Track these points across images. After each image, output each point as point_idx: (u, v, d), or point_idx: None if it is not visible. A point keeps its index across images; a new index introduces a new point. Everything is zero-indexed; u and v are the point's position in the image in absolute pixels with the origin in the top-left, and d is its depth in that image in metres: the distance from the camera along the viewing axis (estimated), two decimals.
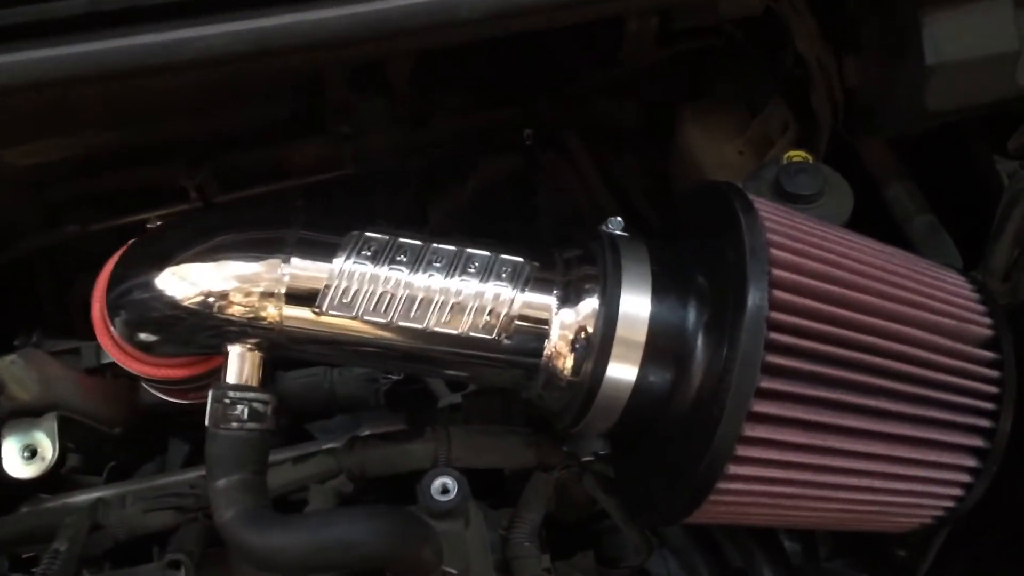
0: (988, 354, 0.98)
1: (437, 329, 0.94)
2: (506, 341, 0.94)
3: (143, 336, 0.99)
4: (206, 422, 0.94)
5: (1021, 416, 0.99)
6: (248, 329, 0.95)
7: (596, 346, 0.91)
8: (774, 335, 0.85)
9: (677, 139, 1.51)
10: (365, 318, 0.93)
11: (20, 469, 1.13)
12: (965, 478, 0.98)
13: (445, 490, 1.02)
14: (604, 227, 1.03)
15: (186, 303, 0.94)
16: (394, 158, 1.46)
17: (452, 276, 0.94)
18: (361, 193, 1.52)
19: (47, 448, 1.12)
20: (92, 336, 1.05)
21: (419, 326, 0.93)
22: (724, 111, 1.47)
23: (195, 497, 1.10)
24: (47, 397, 1.14)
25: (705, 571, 1.29)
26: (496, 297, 0.93)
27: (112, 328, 1.01)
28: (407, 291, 0.93)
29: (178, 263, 0.95)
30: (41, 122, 1.20)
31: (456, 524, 1.04)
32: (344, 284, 0.92)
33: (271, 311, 0.93)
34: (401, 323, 0.93)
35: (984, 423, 0.96)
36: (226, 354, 0.96)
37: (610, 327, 0.91)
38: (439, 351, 0.95)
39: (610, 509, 1.15)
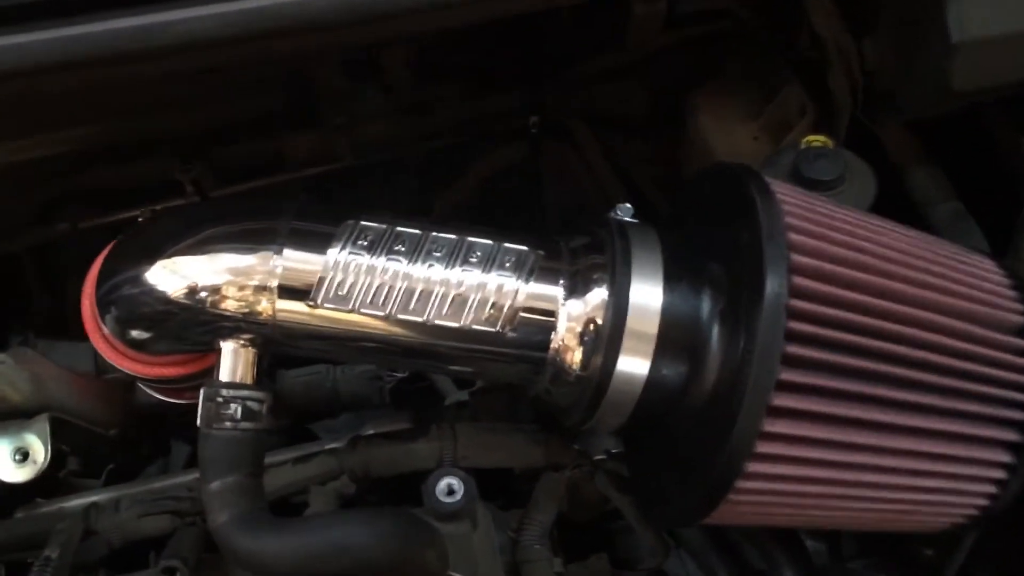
0: (1022, 342, 0.92)
1: (438, 322, 0.89)
2: (510, 334, 0.90)
3: (134, 333, 0.95)
4: (198, 422, 0.90)
5: None
6: (241, 324, 0.91)
7: (605, 338, 0.87)
8: (794, 324, 0.81)
9: (688, 126, 1.45)
10: (362, 311, 0.89)
11: (11, 473, 1.10)
12: (999, 474, 0.93)
13: (451, 491, 0.98)
14: (613, 214, 0.98)
15: (177, 298, 0.90)
16: (393, 149, 1.42)
17: (453, 266, 0.90)
18: (362, 185, 1.48)
19: (39, 451, 1.08)
20: (85, 336, 1.01)
21: (419, 319, 0.89)
22: (737, 96, 1.42)
23: (192, 500, 1.06)
24: (39, 398, 1.11)
25: (724, 572, 1.24)
26: (499, 288, 0.89)
27: (103, 325, 0.97)
28: (406, 282, 0.89)
29: (168, 256, 0.91)
30: (29, 117, 1.17)
31: (463, 526, 1.00)
32: (339, 276, 0.88)
33: (264, 305, 0.89)
34: (400, 316, 0.89)
35: (1019, 416, 0.91)
36: (218, 351, 0.92)
37: (620, 318, 0.87)
38: (440, 345, 0.91)
39: (624, 509, 1.11)
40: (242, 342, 0.92)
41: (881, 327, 0.85)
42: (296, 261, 0.88)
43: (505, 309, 0.89)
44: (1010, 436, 0.92)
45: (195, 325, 0.92)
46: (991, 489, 0.94)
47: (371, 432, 1.15)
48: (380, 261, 0.89)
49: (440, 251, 0.90)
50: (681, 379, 0.88)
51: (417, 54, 1.36)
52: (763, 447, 0.82)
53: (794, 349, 0.81)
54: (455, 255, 0.90)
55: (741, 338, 0.82)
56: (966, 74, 1.12)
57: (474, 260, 0.90)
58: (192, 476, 1.14)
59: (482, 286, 0.89)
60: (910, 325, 0.87)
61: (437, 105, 1.44)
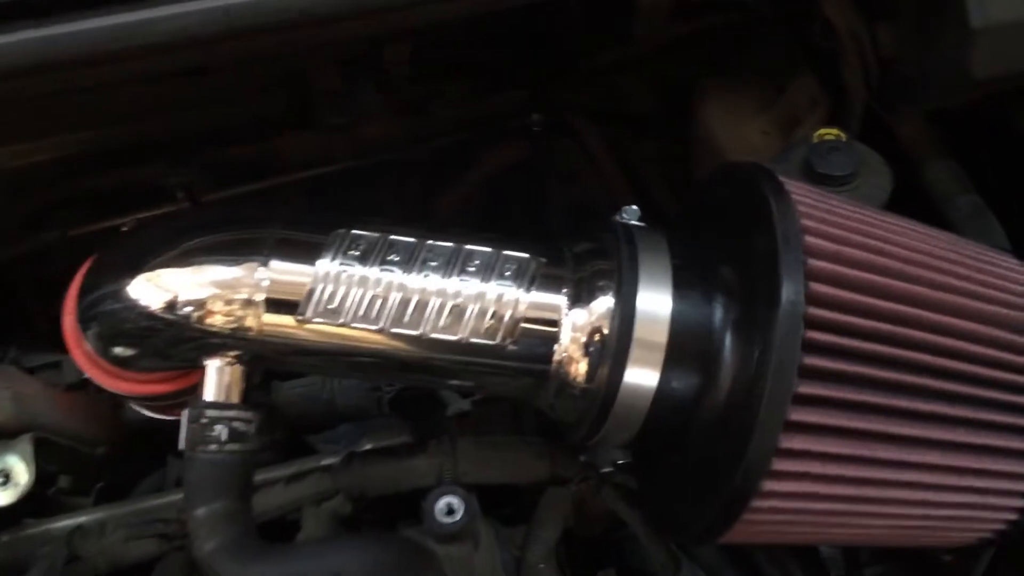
0: None
1: (435, 335, 0.85)
2: (511, 347, 0.86)
3: (117, 350, 0.91)
4: (180, 444, 0.86)
5: None
6: (227, 340, 0.86)
7: (612, 349, 0.83)
8: (812, 333, 0.77)
9: (696, 121, 1.41)
10: (354, 325, 0.85)
11: None
12: None
13: (451, 510, 0.94)
14: (619, 217, 0.94)
15: (160, 313, 0.86)
16: (393, 150, 1.38)
17: (450, 276, 0.85)
18: (362, 188, 1.44)
19: (21, 473, 1.04)
20: None
21: (415, 332, 0.85)
22: (746, 89, 1.38)
23: (180, 523, 1.01)
24: (22, 417, 1.07)
25: None
26: (499, 298, 0.85)
27: (85, 342, 0.93)
28: (400, 294, 0.84)
29: (150, 270, 0.87)
30: (16, 122, 1.13)
31: (464, 548, 0.96)
32: (330, 288, 0.84)
33: (250, 320, 0.84)
34: (394, 330, 0.85)
35: None
36: (203, 368, 0.87)
37: (627, 328, 0.83)
38: (437, 360, 0.87)
39: (633, 524, 1.06)
40: (228, 359, 0.87)
41: (904, 334, 0.81)
42: (283, 273, 0.84)
43: (505, 320, 0.85)
44: None
45: (180, 341, 0.88)
46: (1021, 503, 0.89)
47: (368, 447, 1.11)
48: (373, 271, 0.85)
49: (436, 260, 0.86)
50: (692, 392, 0.84)
51: (415, 52, 1.31)
52: (780, 464, 0.78)
53: (812, 360, 0.77)
54: (452, 264, 0.86)
55: (756, 348, 0.78)
56: (986, 61, 1.07)
57: (472, 269, 0.86)
58: (181, 495, 1.09)
59: (481, 296, 0.85)
60: (934, 332, 0.82)
61: (437, 104, 1.39)
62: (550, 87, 1.46)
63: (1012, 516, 0.90)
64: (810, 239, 0.80)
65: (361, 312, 0.84)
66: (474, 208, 1.49)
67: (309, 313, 0.84)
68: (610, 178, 1.48)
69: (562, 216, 1.54)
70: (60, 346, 1.09)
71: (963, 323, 0.83)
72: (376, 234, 0.86)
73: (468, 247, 0.87)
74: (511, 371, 0.87)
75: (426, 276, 0.85)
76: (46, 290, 1.35)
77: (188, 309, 0.85)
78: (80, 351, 0.95)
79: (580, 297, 0.86)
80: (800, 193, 0.85)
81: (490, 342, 0.85)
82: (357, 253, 0.85)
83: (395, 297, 0.84)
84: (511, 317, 0.85)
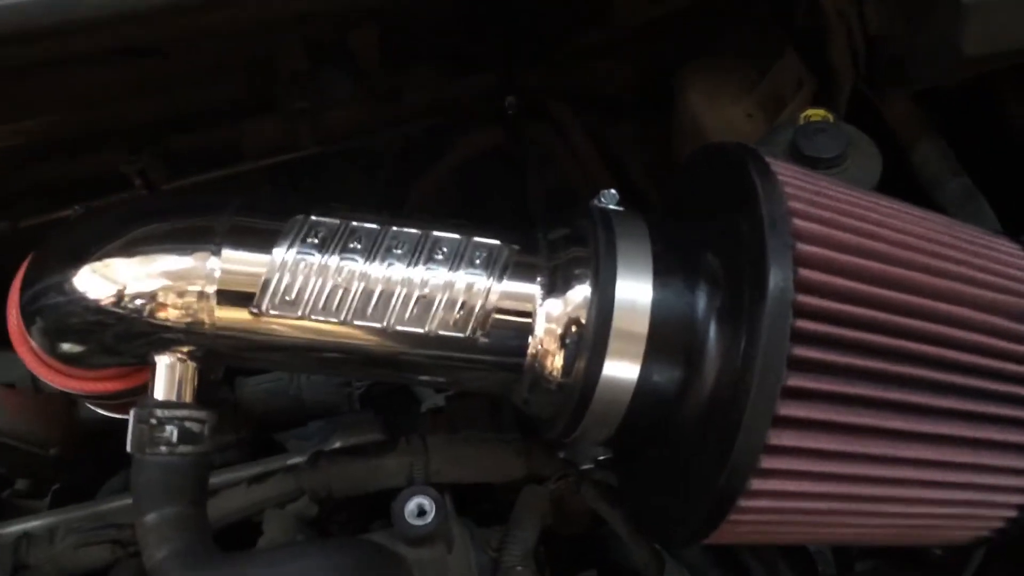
0: None
1: (400, 328, 0.80)
2: (483, 339, 0.81)
3: (64, 346, 0.86)
4: (127, 447, 0.80)
5: None
6: (179, 335, 0.81)
7: (589, 341, 0.79)
8: (801, 323, 0.73)
9: (677, 104, 1.38)
10: (314, 318, 0.80)
11: None
12: None
13: (421, 512, 0.90)
14: (596, 201, 0.89)
15: (107, 306, 0.81)
16: (361, 136, 1.33)
17: (416, 264, 0.81)
18: (330, 176, 1.38)
19: None
20: None
21: (378, 325, 0.80)
22: (729, 70, 1.34)
23: (135, 528, 0.95)
24: None
25: None
26: (469, 288, 0.80)
27: (30, 338, 0.87)
28: (362, 284, 0.80)
29: (95, 259, 0.81)
30: None
31: (436, 550, 0.92)
32: (286, 278, 0.79)
33: (201, 314, 0.79)
34: (357, 323, 0.80)
35: None
36: (153, 365, 0.82)
37: (605, 318, 0.79)
38: (404, 354, 0.82)
39: (614, 523, 1.03)
40: (179, 355, 0.82)
41: (898, 323, 0.77)
42: (236, 262, 0.79)
43: (476, 311, 0.81)
44: None
45: (129, 337, 0.82)
46: (1020, 500, 0.85)
47: (336, 445, 1.05)
48: (333, 260, 0.80)
49: (401, 248, 0.81)
50: (675, 386, 0.80)
51: (384, 34, 1.26)
52: (769, 462, 0.74)
53: (801, 351, 0.73)
54: (418, 252, 0.81)
55: (742, 339, 0.74)
56: (980, 38, 1.04)
57: (440, 257, 0.81)
58: None
59: (449, 286, 0.80)
60: (930, 320, 0.78)
61: (406, 88, 1.34)
62: (524, 70, 1.41)
63: (1012, 513, 0.86)
64: (798, 222, 0.76)
65: (321, 304, 0.79)
66: (448, 197, 1.43)
67: (265, 305, 0.79)
68: (588, 163, 1.43)
69: (540, 203, 1.49)
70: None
71: (960, 310, 0.79)
72: (337, 221, 0.81)
73: (435, 234, 0.82)
74: (483, 365, 0.83)
75: (390, 265, 0.80)
76: None
77: (137, 302, 0.80)
78: (25, 348, 0.90)
79: (555, 286, 0.81)
80: (787, 174, 0.81)
81: (460, 335, 0.81)
82: (316, 241, 0.80)
83: (357, 288, 0.79)
84: (482, 308, 0.80)
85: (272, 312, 0.79)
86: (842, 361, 0.74)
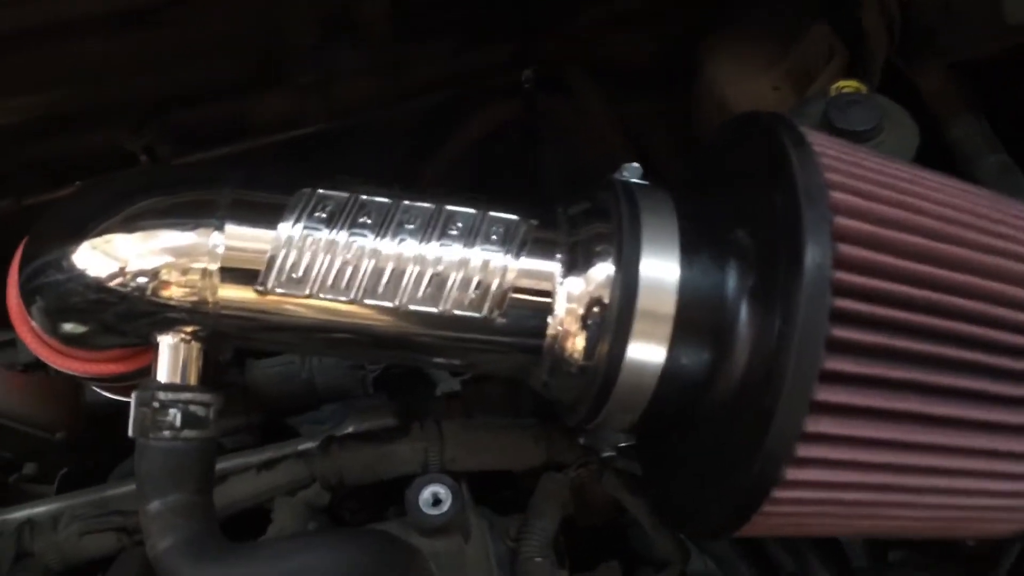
0: None
1: (413, 308, 0.77)
2: (499, 320, 0.77)
3: (66, 326, 0.82)
4: (130, 431, 0.77)
5: None
6: (182, 315, 0.78)
7: (613, 321, 0.75)
8: (840, 301, 0.68)
9: (701, 77, 1.34)
10: (322, 296, 0.76)
11: None
12: None
13: (437, 501, 0.88)
14: (618, 174, 0.85)
15: (107, 284, 0.78)
16: (373, 110, 1.29)
17: (429, 240, 0.77)
18: (340, 152, 1.34)
19: None
20: None
21: (390, 304, 0.77)
22: (755, 41, 1.29)
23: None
24: None
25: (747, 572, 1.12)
26: (485, 265, 0.77)
27: (30, 318, 0.84)
28: (373, 261, 0.76)
29: (96, 235, 0.78)
30: None
31: (453, 541, 0.89)
32: (293, 255, 0.75)
33: (204, 292, 0.75)
34: (367, 302, 0.77)
35: None
36: (156, 346, 0.78)
37: (629, 297, 0.75)
38: (417, 335, 0.78)
39: (637, 513, 0.99)
40: (183, 336, 0.79)
41: (944, 302, 0.73)
42: (240, 238, 0.76)
43: (492, 290, 0.77)
44: None
45: (131, 316, 0.79)
46: None
47: (349, 430, 1.02)
48: (342, 236, 0.76)
49: (413, 223, 0.77)
50: (703, 369, 0.76)
51: (395, 4, 1.21)
52: (805, 450, 0.70)
53: (840, 331, 0.68)
54: (431, 227, 0.77)
55: (776, 319, 0.70)
56: (1021, 5, 1.00)
57: (454, 232, 0.78)
58: None
59: (464, 263, 0.77)
60: (977, 299, 0.74)
61: (419, 60, 1.30)
62: (542, 41, 1.36)
63: None
64: (836, 195, 0.71)
65: (329, 282, 0.76)
66: (462, 173, 1.39)
67: (270, 283, 0.76)
68: (608, 137, 1.39)
69: (558, 180, 1.44)
70: None
71: (1009, 288, 0.75)
72: (345, 194, 0.77)
73: (449, 208, 0.78)
74: (500, 347, 0.79)
75: (402, 241, 0.77)
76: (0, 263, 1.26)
77: (139, 280, 0.77)
78: (25, 328, 0.87)
79: (576, 263, 0.78)
80: (824, 145, 0.76)
81: (475, 315, 0.77)
82: (324, 215, 0.76)
83: (367, 265, 0.76)
84: (498, 287, 0.77)
85: (278, 290, 0.76)
86: (884, 343, 0.70)
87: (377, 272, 0.76)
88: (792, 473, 0.70)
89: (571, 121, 1.42)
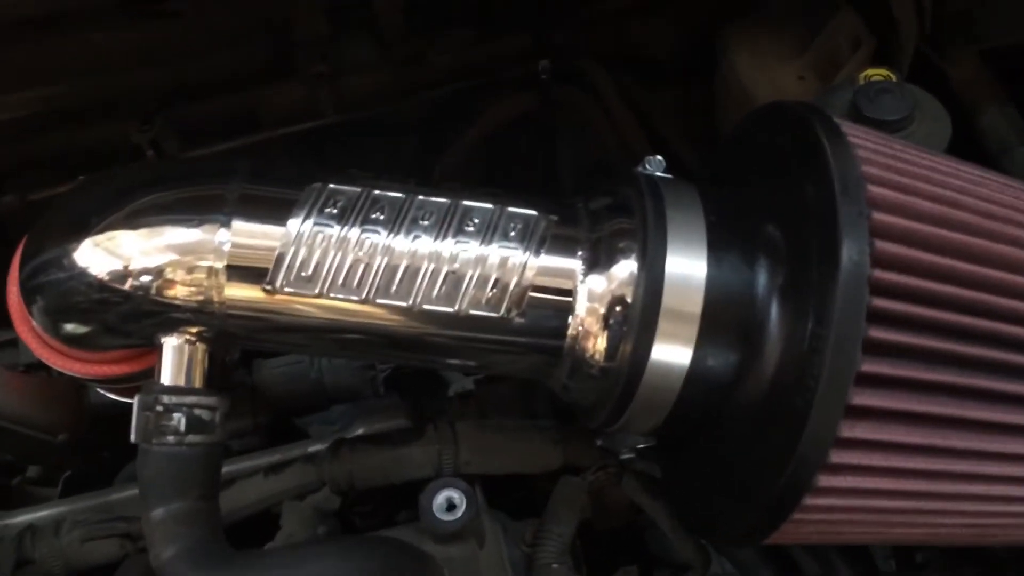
0: None
1: (427, 307, 0.74)
2: (518, 319, 0.75)
3: (67, 327, 0.80)
4: (132, 436, 0.74)
5: None
6: (187, 315, 0.75)
7: (636, 321, 0.73)
8: (878, 301, 0.66)
9: (722, 67, 1.30)
10: (333, 296, 0.73)
11: None
12: None
13: (451, 506, 0.86)
14: (641, 168, 0.81)
15: (109, 283, 0.75)
16: (386, 103, 1.26)
17: (444, 237, 0.74)
18: (353, 146, 1.31)
19: None
20: None
21: (404, 304, 0.74)
22: (778, 29, 1.26)
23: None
24: None
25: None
26: (503, 263, 0.74)
27: (31, 318, 0.82)
28: (386, 259, 0.73)
29: (98, 232, 0.75)
30: None
31: (467, 547, 0.86)
32: (303, 252, 0.73)
33: (211, 291, 0.72)
34: (380, 301, 0.74)
35: None
36: (159, 347, 0.76)
37: (654, 296, 0.72)
38: (432, 336, 0.76)
39: (657, 517, 0.97)
40: (188, 337, 0.76)
41: (985, 301, 0.70)
42: (248, 235, 0.73)
43: (510, 289, 0.74)
44: None
45: (134, 316, 0.77)
46: None
47: (359, 432, 0.99)
48: (353, 232, 0.73)
49: (428, 219, 0.74)
50: (731, 371, 0.74)
51: None
52: (839, 456, 0.67)
53: (878, 332, 0.66)
54: (447, 223, 0.75)
55: (809, 320, 0.67)
56: None
57: (471, 229, 0.75)
58: None
59: (481, 261, 0.74)
60: (1020, 298, 0.70)
61: (433, 52, 1.27)
62: (558, 32, 1.33)
63: None
64: (874, 188, 0.68)
65: (340, 280, 0.73)
66: (477, 166, 1.36)
67: (279, 282, 0.73)
68: (626, 132, 1.36)
69: (575, 174, 1.41)
70: None
71: None
72: (357, 189, 0.75)
73: (465, 203, 0.76)
74: (518, 348, 0.77)
75: (416, 238, 0.74)
76: (3, 261, 1.24)
77: (143, 279, 0.75)
78: (26, 328, 0.85)
79: (598, 261, 0.75)
80: (859, 136, 0.73)
81: (493, 314, 0.74)
82: (335, 211, 0.73)
83: (380, 262, 0.73)
84: (517, 285, 0.74)
85: (287, 289, 0.73)
86: (923, 344, 0.67)
87: (390, 270, 0.73)
88: (825, 480, 0.68)
89: (589, 114, 1.39)
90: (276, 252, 0.72)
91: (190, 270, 0.72)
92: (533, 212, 0.76)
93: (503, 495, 1.01)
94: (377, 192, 0.74)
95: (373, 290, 0.73)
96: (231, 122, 1.23)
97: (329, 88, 1.22)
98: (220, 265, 0.72)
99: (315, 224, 0.72)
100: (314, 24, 1.20)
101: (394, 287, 0.73)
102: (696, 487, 0.84)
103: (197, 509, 0.74)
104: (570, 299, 0.74)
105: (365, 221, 0.73)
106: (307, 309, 0.73)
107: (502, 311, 0.74)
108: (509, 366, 0.80)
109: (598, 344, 0.74)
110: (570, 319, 0.74)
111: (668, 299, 0.72)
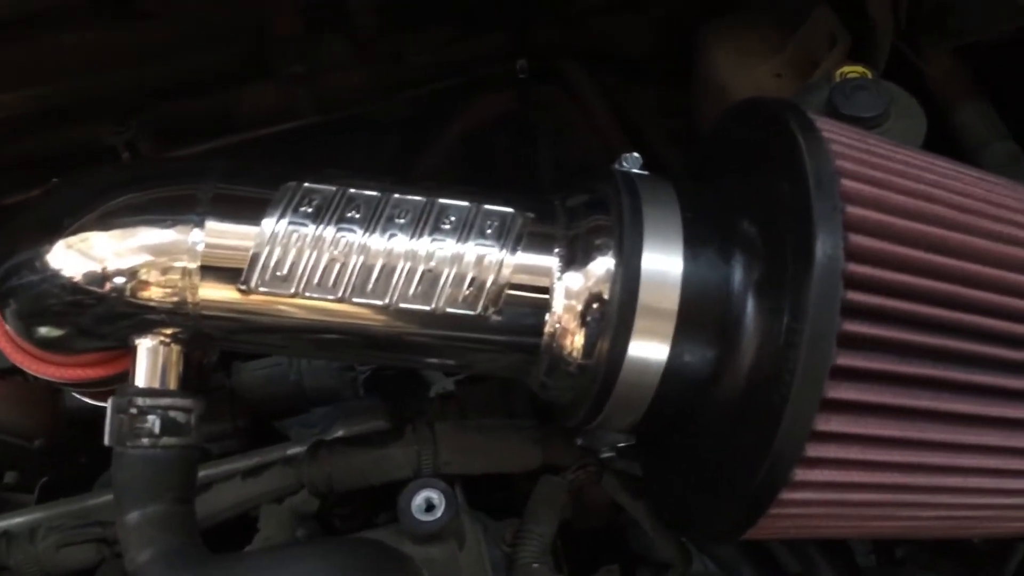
0: None
1: (404, 306, 0.74)
2: (495, 317, 0.74)
3: (40, 330, 0.79)
4: (105, 439, 0.73)
5: None
6: (161, 316, 0.74)
7: (613, 318, 0.73)
8: (852, 294, 0.66)
9: (700, 65, 1.30)
10: (308, 295, 0.73)
11: None
12: None
13: (430, 506, 0.84)
14: (618, 165, 0.81)
15: (82, 285, 0.75)
16: (363, 103, 1.25)
17: (420, 235, 0.74)
18: (331, 147, 1.31)
19: None
20: None
21: (380, 302, 0.74)
22: (755, 27, 1.26)
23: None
24: None
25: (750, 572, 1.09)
26: (479, 260, 0.74)
27: (3, 321, 0.81)
28: (362, 257, 0.73)
29: (71, 233, 0.75)
30: None
31: (446, 548, 0.85)
32: (277, 252, 0.72)
33: (184, 292, 0.72)
34: (357, 300, 0.73)
35: None
36: (134, 349, 0.75)
37: (631, 293, 0.72)
38: (409, 334, 0.75)
39: (638, 516, 0.96)
40: (163, 338, 0.75)
41: (959, 294, 0.70)
42: (222, 235, 0.72)
43: (487, 286, 0.74)
44: None
45: (108, 318, 0.76)
46: None
47: (339, 434, 0.98)
48: (329, 231, 0.73)
49: (404, 217, 0.74)
50: (708, 367, 0.74)
51: None
52: (815, 450, 0.67)
53: (853, 326, 0.66)
54: (423, 221, 0.74)
55: (785, 314, 0.67)
56: None
57: (447, 227, 0.74)
58: None
59: (457, 259, 0.74)
60: (995, 291, 0.72)
61: (411, 51, 1.26)
62: (536, 29, 1.33)
63: None
64: (847, 183, 0.69)
65: (316, 280, 0.73)
66: (456, 166, 1.35)
67: (254, 282, 0.72)
68: (605, 131, 1.35)
69: (556, 173, 1.41)
70: None
71: None
72: (332, 188, 0.74)
73: (441, 201, 0.75)
74: (495, 346, 0.76)
75: (392, 236, 0.73)
76: None
77: (116, 280, 0.74)
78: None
79: (575, 258, 0.75)
80: (833, 131, 0.73)
81: (470, 312, 0.74)
82: (310, 210, 0.73)
83: (356, 261, 0.73)
84: (494, 283, 0.74)
85: (262, 289, 0.72)
86: (897, 337, 0.68)
87: (366, 269, 0.72)
88: (801, 474, 0.68)
89: (567, 114, 1.38)
90: (250, 252, 0.71)
91: (164, 271, 0.72)
92: (509, 209, 0.75)
93: (484, 495, 1.01)
94: (352, 191, 0.74)
95: (349, 289, 0.72)
96: (208, 123, 1.22)
97: (306, 88, 1.21)
98: (194, 266, 0.71)
99: (290, 223, 0.72)
100: (290, 24, 1.19)
101: (370, 286, 0.72)
102: (675, 484, 0.84)
103: (173, 512, 0.74)
104: (547, 296, 0.74)
105: (340, 220, 0.73)
106: (283, 309, 0.73)
107: (479, 309, 0.73)
108: (488, 365, 0.80)
109: (575, 341, 0.74)
110: (547, 316, 0.74)
111: (645, 296, 0.72)
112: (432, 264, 0.73)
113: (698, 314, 0.72)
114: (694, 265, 0.72)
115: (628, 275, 0.72)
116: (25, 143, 1.19)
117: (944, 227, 0.70)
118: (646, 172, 0.81)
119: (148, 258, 0.72)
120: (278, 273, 0.72)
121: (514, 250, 0.74)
